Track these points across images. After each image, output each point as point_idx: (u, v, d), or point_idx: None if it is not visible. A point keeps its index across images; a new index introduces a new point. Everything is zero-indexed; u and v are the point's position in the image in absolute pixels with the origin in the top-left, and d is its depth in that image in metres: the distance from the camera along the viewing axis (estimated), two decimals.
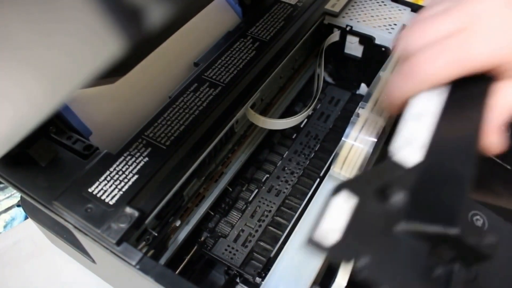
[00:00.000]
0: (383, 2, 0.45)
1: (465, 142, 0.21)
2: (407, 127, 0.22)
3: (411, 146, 0.21)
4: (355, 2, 0.45)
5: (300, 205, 0.40)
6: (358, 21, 0.43)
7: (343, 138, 0.34)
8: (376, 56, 0.44)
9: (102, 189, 0.28)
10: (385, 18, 0.44)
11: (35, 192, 0.28)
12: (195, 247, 0.37)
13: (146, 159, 0.30)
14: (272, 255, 0.37)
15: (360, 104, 0.35)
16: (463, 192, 0.18)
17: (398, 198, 0.19)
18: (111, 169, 0.29)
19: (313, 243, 0.18)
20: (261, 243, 0.38)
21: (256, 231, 0.39)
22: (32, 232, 0.44)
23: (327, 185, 0.35)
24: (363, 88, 0.50)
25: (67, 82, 0.13)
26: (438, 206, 0.18)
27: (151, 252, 0.31)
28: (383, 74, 0.38)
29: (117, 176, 0.28)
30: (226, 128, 0.33)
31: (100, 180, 0.28)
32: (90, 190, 0.28)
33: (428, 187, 0.19)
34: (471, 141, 0.21)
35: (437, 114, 0.22)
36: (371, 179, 0.20)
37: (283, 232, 0.38)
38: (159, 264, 0.26)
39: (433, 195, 0.19)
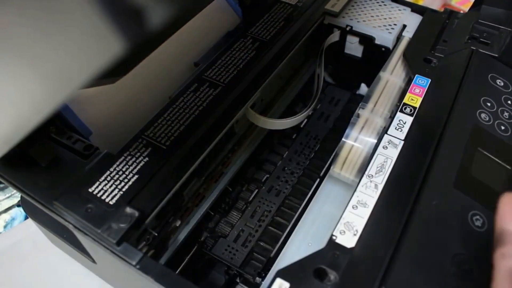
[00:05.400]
0: (383, 2, 0.45)
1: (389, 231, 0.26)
2: (348, 214, 0.27)
3: (349, 232, 0.26)
4: (355, 2, 0.45)
5: (300, 205, 0.40)
6: (358, 21, 0.43)
7: (343, 139, 0.34)
8: (376, 56, 0.44)
9: (102, 189, 0.28)
10: (385, 18, 0.44)
11: (35, 192, 0.28)
12: (195, 247, 0.37)
13: (146, 159, 0.30)
14: (272, 255, 0.37)
15: (360, 104, 0.35)
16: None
17: (332, 277, 0.24)
18: (111, 169, 0.29)
19: None
20: (261, 243, 0.38)
21: (256, 231, 0.39)
22: (32, 232, 0.44)
23: (327, 185, 0.35)
24: (363, 88, 0.50)
25: (68, 82, 0.13)
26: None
27: (151, 252, 0.31)
28: (383, 74, 0.38)
29: (117, 176, 0.29)
30: (226, 128, 0.33)
31: (100, 180, 0.28)
32: (90, 190, 0.28)
33: (355, 268, 0.25)
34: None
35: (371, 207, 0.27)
36: (305, 265, 0.24)
37: (283, 232, 0.38)
38: (159, 264, 0.26)
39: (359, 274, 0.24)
